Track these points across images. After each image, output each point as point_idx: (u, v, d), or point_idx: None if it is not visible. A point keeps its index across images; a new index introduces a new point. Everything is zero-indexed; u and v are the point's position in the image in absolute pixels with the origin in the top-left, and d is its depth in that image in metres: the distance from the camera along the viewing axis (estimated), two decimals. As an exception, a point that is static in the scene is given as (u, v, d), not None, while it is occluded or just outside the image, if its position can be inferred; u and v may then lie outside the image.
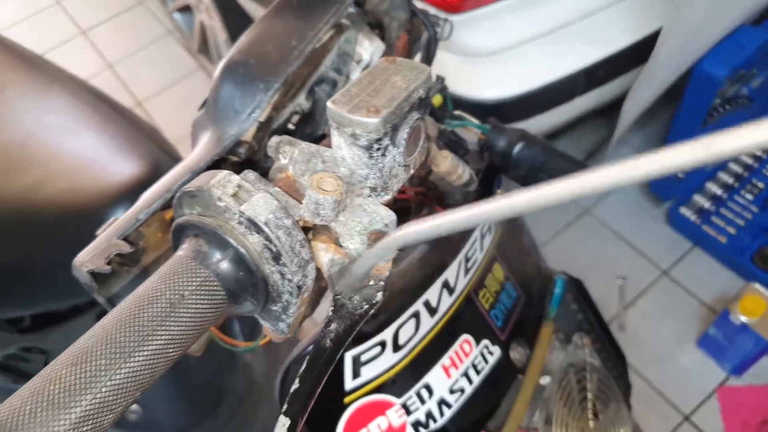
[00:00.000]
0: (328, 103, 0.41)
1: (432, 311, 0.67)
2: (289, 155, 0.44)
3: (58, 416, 0.32)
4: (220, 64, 0.53)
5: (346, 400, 0.64)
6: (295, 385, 0.38)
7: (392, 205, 0.47)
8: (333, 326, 0.40)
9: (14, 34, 2.72)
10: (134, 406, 1.26)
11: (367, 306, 0.41)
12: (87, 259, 0.45)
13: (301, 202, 0.42)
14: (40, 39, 2.71)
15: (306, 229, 0.43)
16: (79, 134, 1.08)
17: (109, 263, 0.45)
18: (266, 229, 0.38)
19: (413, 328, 0.65)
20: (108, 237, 0.46)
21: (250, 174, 0.42)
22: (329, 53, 0.60)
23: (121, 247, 0.45)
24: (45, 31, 2.78)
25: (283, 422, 0.37)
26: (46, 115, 1.09)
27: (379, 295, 0.42)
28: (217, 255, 0.39)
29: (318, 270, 0.43)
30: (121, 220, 0.47)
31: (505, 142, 0.75)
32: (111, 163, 1.02)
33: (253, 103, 0.51)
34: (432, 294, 0.66)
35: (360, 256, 0.42)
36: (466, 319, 0.71)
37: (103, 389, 0.33)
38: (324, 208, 0.40)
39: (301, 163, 0.44)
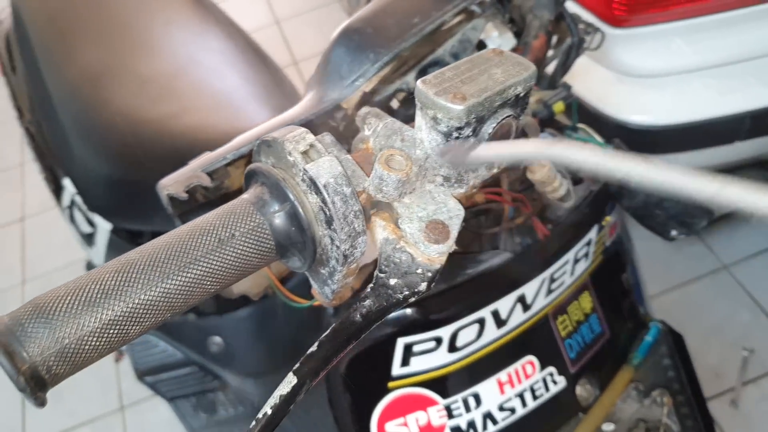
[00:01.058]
0: (418, 82, 0.40)
1: (500, 323, 0.64)
2: (373, 127, 0.44)
3: (90, 313, 0.34)
4: (339, 28, 0.53)
5: (390, 384, 0.63)
6: (313, 348, 0.38)
7: (465, 200, 0.45)
8: (367, 302, 0.40)
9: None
10: (217, 338, 1.34)
11: (408, 292, 0.40)
12: (170, 184, 0.48)
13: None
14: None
15: (372, 204, 0.43)
16: (223, 76, 1.15)
17: (188, 192, 0.48)
18: (324, 192, 0.38)
19: (475, 334, 0.63)
20: (194, 168, 0.49)
21: (327, 137, 0.42)
22: (452, 37, 0.58)
23: (202, 179, 0.47)
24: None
25: (290, 380, 0.37)
26: (199, 53, 1.17)
27: (424, 285, 0.40)
28: (276, 206, 0.40)
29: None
30: (210, 155, 0.50)
31: (625, 168, 0.69)
32: (243, 109, 1.08)
33: (359, 72, 0.51)
34: (503, 305, 0.63)
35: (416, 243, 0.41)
36: (536, 340, 0.68)
37: (136, 301, 0.35)
38: (387, 185, 0.40)
39: (382, 137, 0.43)
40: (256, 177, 0.41)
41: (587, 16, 1.25)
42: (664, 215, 0.69)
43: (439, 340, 0.62)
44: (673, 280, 1.92)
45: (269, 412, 0.36)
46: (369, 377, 0.64)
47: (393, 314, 0.62)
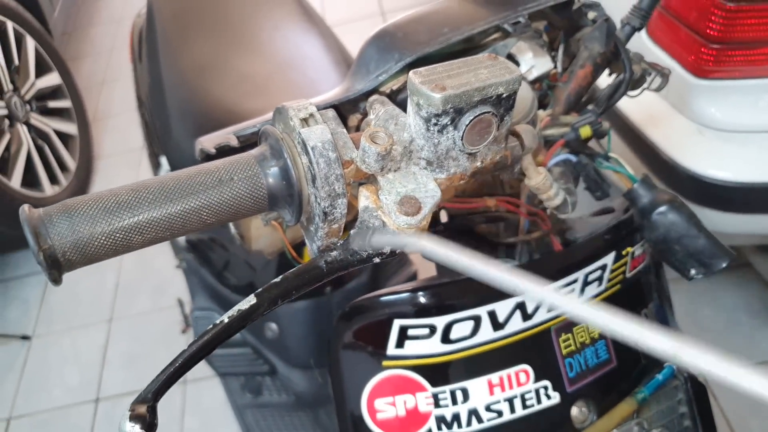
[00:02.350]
0: (410, 72, 0.46)
1: (496, 325, 0.67)
2: (377, 112, 0.50)
3: (103, 217, 0.42)
4: (374, 30, 0.60)
5: (384, 363, 0.68)
6: (277, 279, 0.44)
7: (447, 191, 0.50)
8: (334, 254, 0.45)
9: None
10: (273, 325, 1.43)
11: (372, 252, 0.45)
12: (205, 140, 0.56)
13: None
14: (345, 12, 3.11)
15: (363, 177, 0.49)
16: (313, 81, 1.25)
17: (218, 149, 0.56)
18: (311, 153, 0.44)
19: (469, 330, 0.66)
20: (228, 131, 0.57)
21: (330, 112, 0.48)
22: (481, 51, 0.64)
23: (231, 140, 0.56)
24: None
25: (250, 299, 0.43)
26: (296, 59, 1.29)
27: (387, 249, 0.45)
28: (273, 162, 0.46)
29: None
30: (244, 123, 0.58)
31: (649, 200, 0.71)
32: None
33: (383, 68, 0.57)
34: (501, 308, 0.66)
35: (384, 226, 0.46)
36: (534, 351, 0.70)
37: (141, 216, 0.43)
38: (368, 156, 0.45)
39: (382, 120, 0.49)
40: (264, 136, 0.49)
41: (670, 63, 1.25)
42: (683, 252, 0.69)
43: (433, 329, 0.66)
44: (755, 356, 1.81)
45: (226, 320, 0.42)
46: (366, 353, 0.69)
47: (392, 296, 0.67)
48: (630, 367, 0.77)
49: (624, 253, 0.74)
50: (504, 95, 0.46)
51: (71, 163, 2.56)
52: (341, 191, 0.46)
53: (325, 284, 1.35)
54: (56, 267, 0.41)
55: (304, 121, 0.46)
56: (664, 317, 0.83)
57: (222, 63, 1.28)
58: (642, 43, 1.33)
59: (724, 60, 1.18)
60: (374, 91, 0.58)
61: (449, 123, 0.45)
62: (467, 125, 0.46)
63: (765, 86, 1.20)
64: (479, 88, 0.45)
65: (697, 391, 0.80)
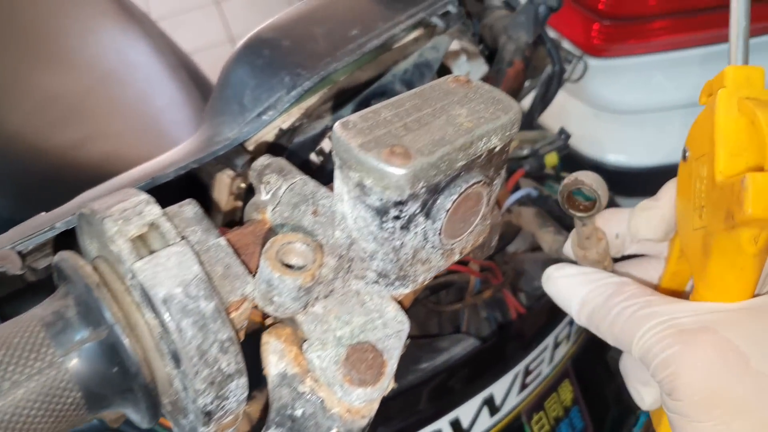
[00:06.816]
0: (335, 125, 0.25)
1: (460, 432, 0.49)
2: (273, 189, 0.29)
3: None
4: (241, 41, 0.38)
5: None
6: None
7: (412, 295, 0.30)
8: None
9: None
10: None
11: None
12: None
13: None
14: (175, 1, 2.76)
15: (263, 315, 0.28)
16: (147, 96, 0.98)
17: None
18: (163, 312, 0.22)
19: (428, 450, 0.48)
20: (2, 243, 0.32)
21: (188, 208, 0.26)
22: (405, 59, 0.44)
23: (8, 263, 0.31)
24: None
25: None
26: (120, 68, 1.00)
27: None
28: (84, 331, 0.24)
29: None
30: (34, 221, 0.34)
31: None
32: (170, 135, 0.91)
33: (269, 100, 0.35)
34: (465, 412, 0.48)
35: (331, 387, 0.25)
36: (505, 448, 0.53)
37: None
38: (279, 293, 0.24)
39: (286, 206, 0.28)
40: (62, 275, 0.25)
41: (564, 44, 1.13)
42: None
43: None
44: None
45: None
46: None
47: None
48: (605, 425, 0.63)
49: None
50: (497, 148, 0.27)
51: None
52: (236, 368, 0.24)
53: None
54: None
55: (141, 242, 0.24)
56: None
57: (15, 83, 0.96)
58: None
59: (615, 38, 1.09)
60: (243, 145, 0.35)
61: (419, 212, 0.25)
62: (448, 210, 0.26)
63: (655, 63, 1.12)
64: (464, 145, 0.25)
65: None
